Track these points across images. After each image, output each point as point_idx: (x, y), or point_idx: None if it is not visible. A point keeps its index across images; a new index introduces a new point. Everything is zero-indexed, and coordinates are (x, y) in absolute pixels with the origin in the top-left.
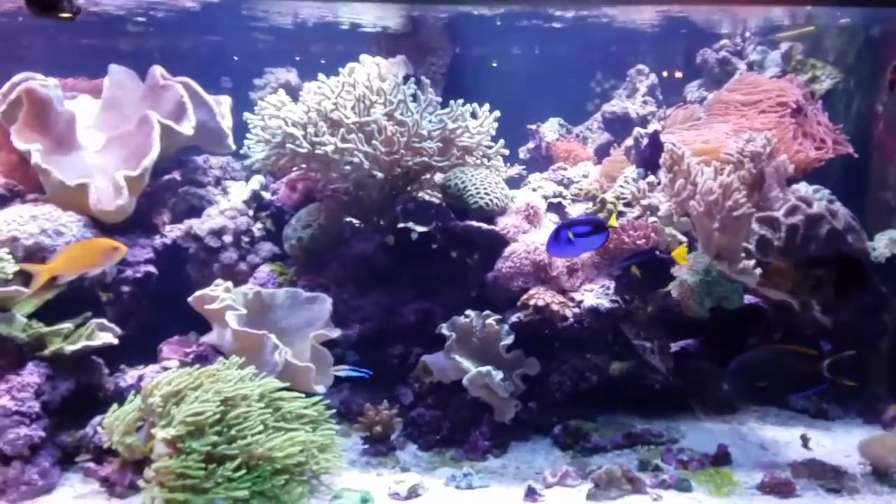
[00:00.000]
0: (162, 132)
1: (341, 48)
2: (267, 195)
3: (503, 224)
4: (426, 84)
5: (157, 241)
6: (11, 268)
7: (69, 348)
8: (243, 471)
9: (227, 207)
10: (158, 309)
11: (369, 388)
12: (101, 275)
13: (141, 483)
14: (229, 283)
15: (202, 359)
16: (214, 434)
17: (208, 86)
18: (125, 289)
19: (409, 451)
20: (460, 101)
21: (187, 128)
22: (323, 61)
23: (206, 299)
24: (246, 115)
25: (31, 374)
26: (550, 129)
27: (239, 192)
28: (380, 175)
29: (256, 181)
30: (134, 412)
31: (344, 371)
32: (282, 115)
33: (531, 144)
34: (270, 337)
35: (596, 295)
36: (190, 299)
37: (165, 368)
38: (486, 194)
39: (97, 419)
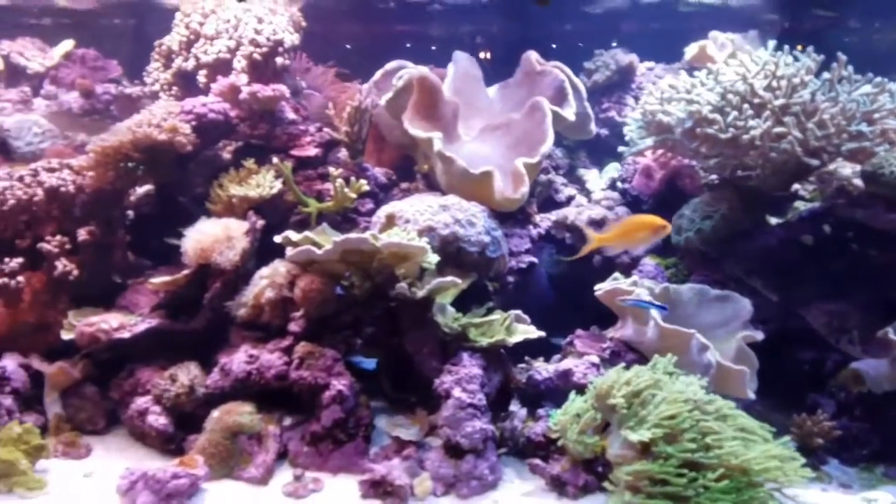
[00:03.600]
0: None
1: (656, 26)
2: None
3: None
4: (843, 60)
5: (533, 231)
6: (434, 258)
7: (511, 340)
8: (725, 482)
9: (601, 197)
10: (538, 300)
11: (769, 395)
12: (499, 264)
13: (608, 486)
14: (635, 277)
15: (616, 355)
16: (688, 441)
17: (514, 70)
18: (510, 279)
19: (832, 465)
20: (875, 76)
21: (570, 113)
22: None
23: (618, 293)
24: (643, 99)
25: (473, 366)
26: None
27: (596, 180)
28: (815, 162)
29: (613, 169)
30: (590, 412)
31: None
32: (694, 98)
33: None
34: (698, 336)
35: None
36: (599, 293)
37: (594, 364)
38: None
39: (521, 412)
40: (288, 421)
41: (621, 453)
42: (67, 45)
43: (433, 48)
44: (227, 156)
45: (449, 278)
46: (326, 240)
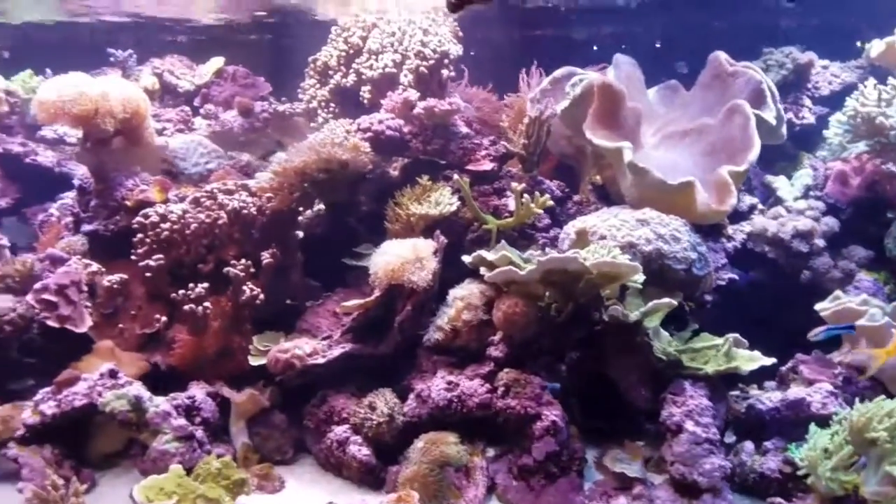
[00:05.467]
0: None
1: (816, 21)
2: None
3: None
4: None
5: (727, 244)
6: (641, 277)
7: (745, 368)
8: None
9: (804, 207)
10: (740, 318)
11: None
12: (706, 283)
13: None
14: (864, 296)
15: (848, 382)
16: None
17: (662, 72)
18: (707, 298)
19: None
20: None
21: (770, 117)
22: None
23: (850, 314)
24: (854, 100)
25: (701, 397)
26: None
27: (787, 187)
28: None
29: (807, 176)
30: (846, 447)
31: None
32: None
33: None
34: None
35: None
36: (825, 312)
37: (832, 393)
38: None
39: (748, 445)
40: (491, 452)
41: (882, 490)
42: (218, 62)
43: (570, 51)
44: (394, 173)
45: (665, 299)
46: (512, 259)
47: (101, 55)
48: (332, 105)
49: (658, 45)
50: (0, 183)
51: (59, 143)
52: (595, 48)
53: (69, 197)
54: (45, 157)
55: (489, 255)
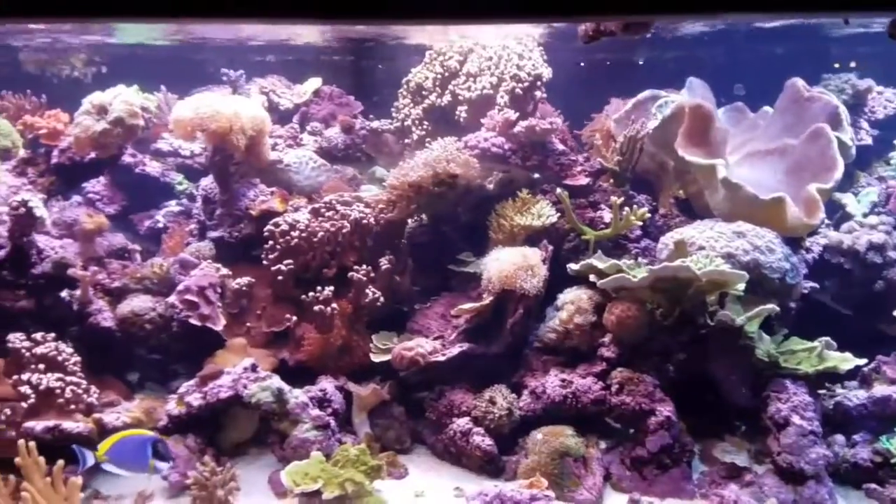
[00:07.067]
0: None
1: (864, 50)
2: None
3: None
4: None
5: (807, 255)
6: (743, 285)
7: (843, 367)
8: None
9: (876, 222)
10: (816, 324)
11: None
12: (797, 291)
13: None
14: None
15: None
16: None
17: (718, 93)
18: (791, 305)
19: None
20: None
21: (847, 138)
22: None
23: None
24: None
25: (804, 394)
26: None
27: (854, 204)
28: None
29: (873, 193)
30: None
31: None
32: None
33: None
34: None
35: None
36: None
37: None
38: None
39: (839, 437)
40: (602, 445)
41: None
42: (315, 82)
43: (634, 74)
44: (489, 186)
45: (769, 305)
46: (622, 267)
47: (201, 73)
48: (425, 123)
49: (718, 70)
50: (108, 191)
51: (172, 156)
52: (664, 71)
53: (174, 204)
54: (152, 167)
55: (599, 264)
